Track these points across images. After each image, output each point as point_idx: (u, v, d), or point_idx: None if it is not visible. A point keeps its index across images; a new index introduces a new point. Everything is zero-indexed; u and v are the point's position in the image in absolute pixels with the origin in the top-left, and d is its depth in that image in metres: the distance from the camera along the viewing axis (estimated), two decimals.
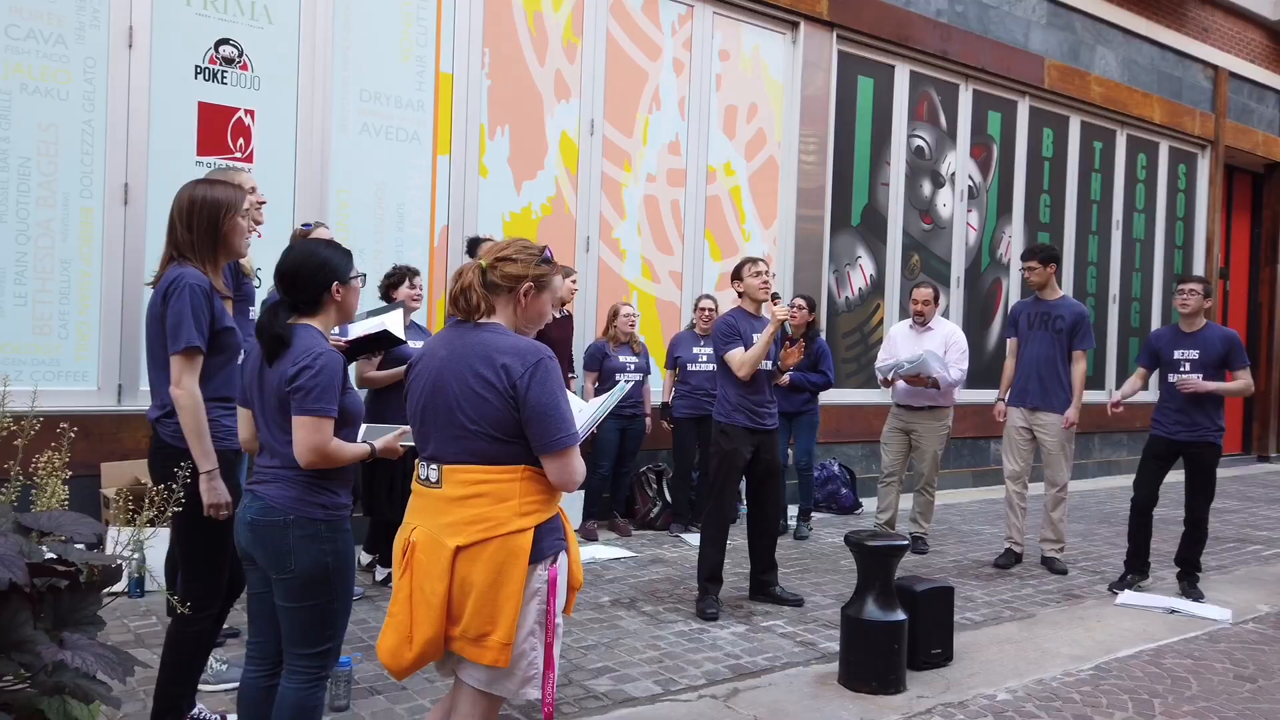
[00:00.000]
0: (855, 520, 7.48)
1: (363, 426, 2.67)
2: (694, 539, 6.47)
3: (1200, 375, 5.25)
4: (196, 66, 5.42)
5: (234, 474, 2.93)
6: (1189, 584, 5.38)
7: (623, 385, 2.52)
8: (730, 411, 4.82)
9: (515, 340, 2.27)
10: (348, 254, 2.59)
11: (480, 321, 2.31)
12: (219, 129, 5.50)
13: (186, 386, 2.76)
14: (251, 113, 5.59)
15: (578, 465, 2.25)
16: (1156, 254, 11.60)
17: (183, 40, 5.38)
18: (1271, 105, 12.93)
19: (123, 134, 5.21)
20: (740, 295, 4.91)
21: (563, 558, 2.31)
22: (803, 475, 6.69)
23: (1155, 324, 11.58)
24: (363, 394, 4.45)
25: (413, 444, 2.83)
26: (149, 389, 2.95)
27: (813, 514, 7.01)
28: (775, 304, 4.78)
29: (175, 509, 2.35)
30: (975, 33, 9.25)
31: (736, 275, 4.90)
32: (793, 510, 7.03)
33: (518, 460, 2.24)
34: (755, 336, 4.77)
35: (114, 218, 5.20)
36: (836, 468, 7.78)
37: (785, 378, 5.91)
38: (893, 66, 8.80)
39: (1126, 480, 10.45)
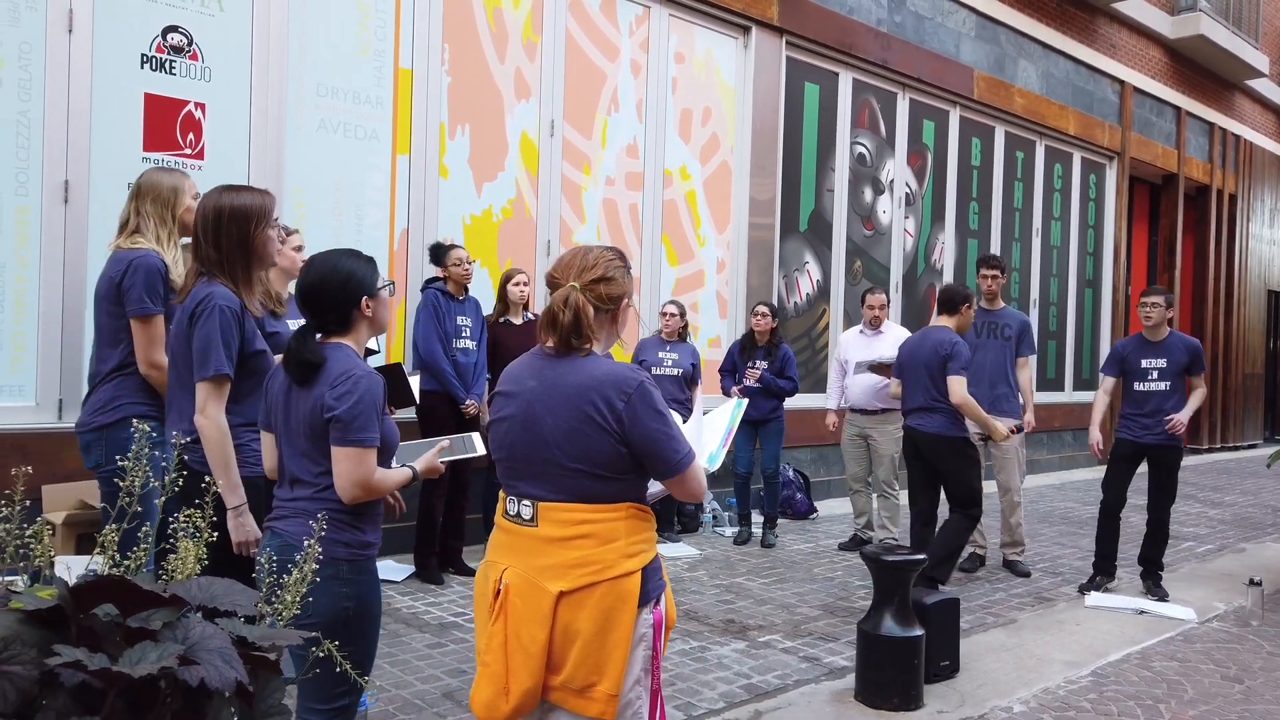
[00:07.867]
0: (812, 525, 7.51)
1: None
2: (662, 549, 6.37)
3: (1168, 383, 5.47)
4: (143, 55, 5.01)
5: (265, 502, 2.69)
6: (1153, 583, 5.57)
7: (740, 402, 2.40)
8: None
9: (610, 367, 2.12)
10: (371, 262, 2.40)
11: None
12: (167, 123, 5.09)
13: (212, 416, 2.52)
14: (202, 106, 5.21)
15: (700, 477, 2.16)
16: (1071, 260, 12.09)
17: (127, 26, 4.96)
18: (1169, 119, 13.64)
19: (62, 126, 4.76)
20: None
21: (663, 599, 2.18)
22: (769, 482, 6.65)
23: (1071, 327, 12.07)
24: None
25: (453, 459, 2.64)
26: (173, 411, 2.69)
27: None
28: None
29: (208, 540, 1.94)
30: (913, 43, 9.43)
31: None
32: (758, 519, 7.00)
33: (622, 497, 2.10)
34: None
35: (53, 217, 4.75)
36: (791, 473, 7.80)
37: (750, 373, 6.52)
38: (837, 74, 8.88)
39: (1050, 478, 10.88)
